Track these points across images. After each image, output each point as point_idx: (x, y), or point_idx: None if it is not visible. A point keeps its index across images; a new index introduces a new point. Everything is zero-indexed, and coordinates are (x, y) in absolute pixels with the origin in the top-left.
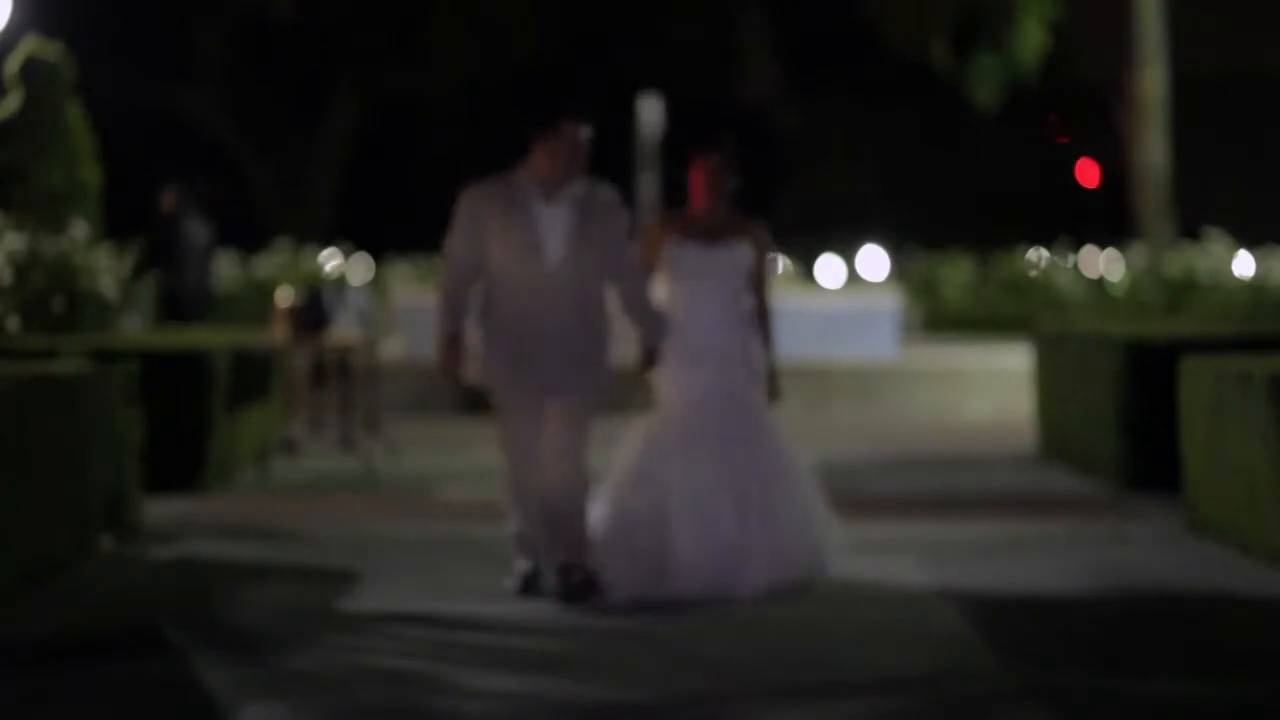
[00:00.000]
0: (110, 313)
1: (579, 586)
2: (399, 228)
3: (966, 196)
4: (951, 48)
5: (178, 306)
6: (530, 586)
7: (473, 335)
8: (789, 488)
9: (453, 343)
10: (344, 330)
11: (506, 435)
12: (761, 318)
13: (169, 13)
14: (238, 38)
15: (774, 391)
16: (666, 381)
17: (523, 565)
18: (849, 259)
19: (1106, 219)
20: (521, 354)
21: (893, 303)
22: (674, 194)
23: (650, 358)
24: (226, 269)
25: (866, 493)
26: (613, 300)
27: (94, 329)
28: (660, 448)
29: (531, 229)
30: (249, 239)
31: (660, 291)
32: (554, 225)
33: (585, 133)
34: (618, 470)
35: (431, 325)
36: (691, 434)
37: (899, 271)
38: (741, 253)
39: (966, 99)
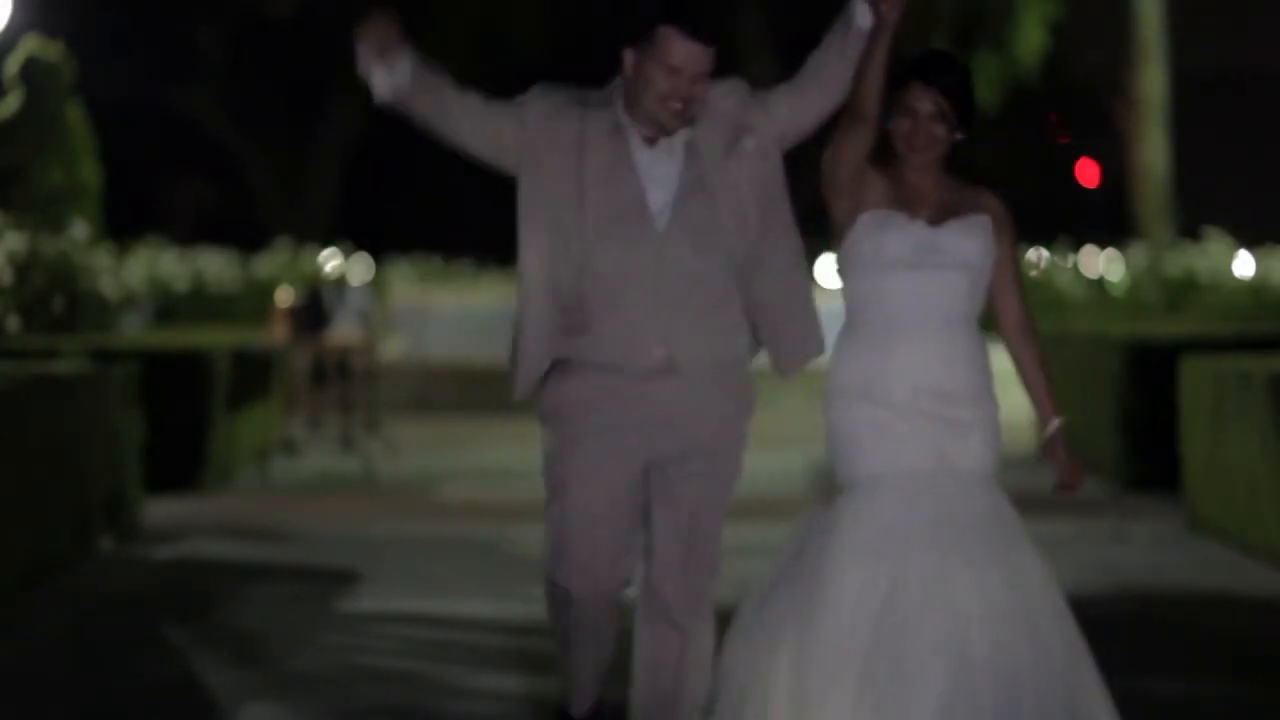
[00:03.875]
0: (110, 313)
1: None
2: (399, 228)
3: None
4: (951, 48)
5: None
6: None
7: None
8: (1047, 629)
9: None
10: (344, 330)
11: (567, 515)
12: (1023, 334)
13: (169, 13)
14: (238, 38)
15: (1066, 471)
16: (850, 444)
17: (579, 707)
18: None
19: (1106, 219)
20: (610, 385)
21: None
22: None
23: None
24: (226, 269)
25: None
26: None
27: (94, 329)
28: (836, 564)
29: (635, 180)
30: (249, 239)
31: (850, 286)
32: (660, 178)
33: (703, 59)
34: (757, 597)
35: (433, 327)
36: (896, 542)
37: None
38: (981, 236)
39: None
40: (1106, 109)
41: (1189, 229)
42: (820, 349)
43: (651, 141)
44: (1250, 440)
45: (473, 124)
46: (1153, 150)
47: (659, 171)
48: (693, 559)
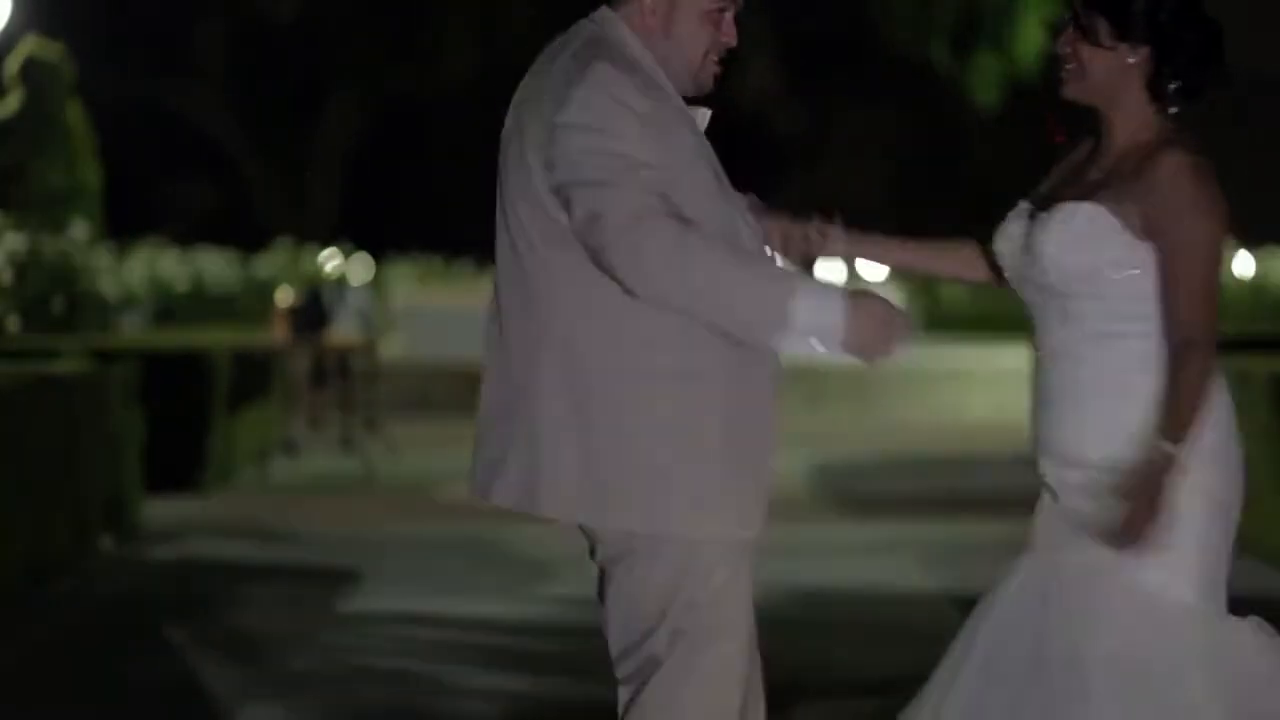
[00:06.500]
0: (110, 313)
1: None
2: (399, 228)
3: (966, 196)
4: (951, 48)
5: None
6: None
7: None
8: None
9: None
10: (344, 330)
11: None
12: (1182, 372)
13: (169, 13)
14: (238, 38)
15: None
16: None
17: None
18: (849, 259)
19: None
20: (762, 463)
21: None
22: None
23: None
24: (226, 269)
25: (866, 493)
26: None
27: (94, 329)
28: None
29: (729, 189)
30: (249, 239)
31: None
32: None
33: None
34: None
35: (433, 327)
36: (987, 682)
37: (899, 271)
38: (1079, 230)
39: (966, 99)
40: None
41: None
42: None
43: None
44: (1250, 440)
45: None
46: None
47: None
48: None
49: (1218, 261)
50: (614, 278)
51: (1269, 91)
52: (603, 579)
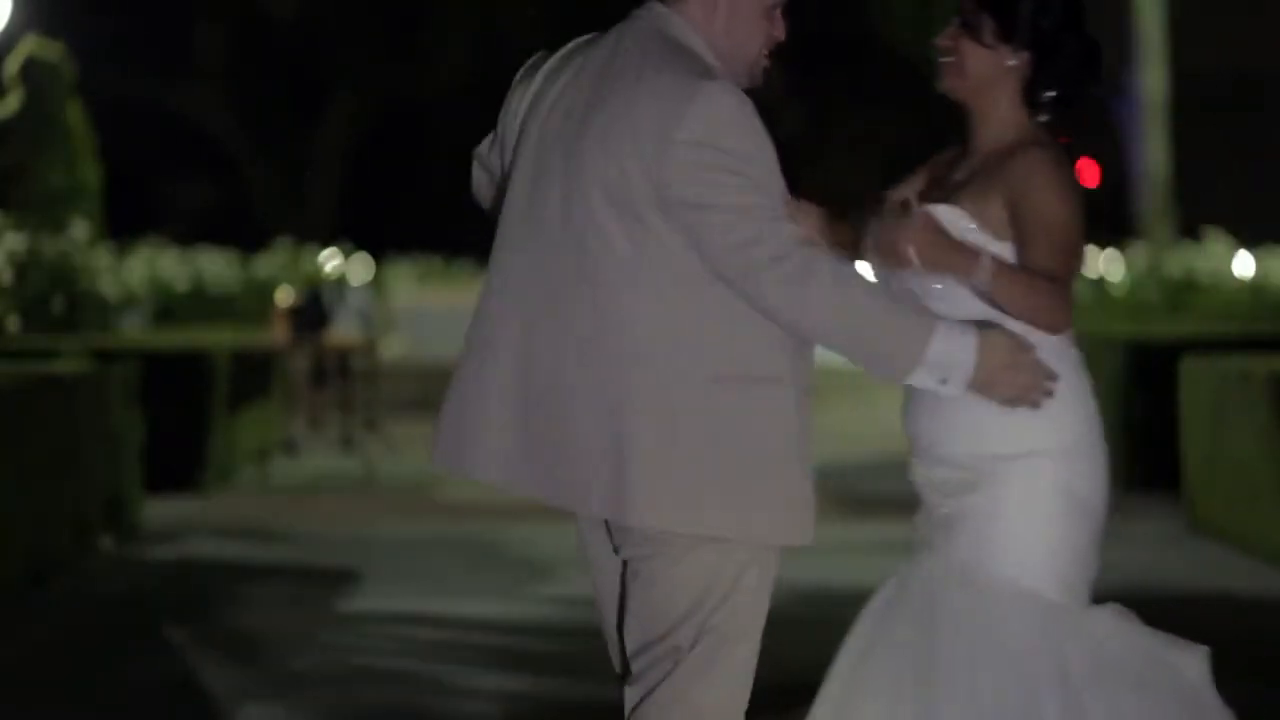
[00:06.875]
0: (110, 313)
1: None
2: (399, 228)
3: None
4: None
5: None
6: None
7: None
8: None
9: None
10: (344, 330)
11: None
12: (1037, 278)
13: (169, 13)
14: (238, 37)
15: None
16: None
17: None
18: (849, 259)
19: (1106, 219)
20: (809, 464)
21: None
22: None
23: None
24: (226, 269)
25: (866, 493)
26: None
27: (94, 329)
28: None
29: None
30: (249, 239)
31: None
32: None
33: None
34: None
35: (433, 327)
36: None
37: None
38: (966, 224)
39: None
40: (1106, 109)
41: (1189, 229)
42: None
43: None
44: (1250, 440)
45: None
46: (1153, 150)
47: None
48: None
49: (1076, 252)
50: (751, 300)
51: (1269, 91)
52: (625, 574)
